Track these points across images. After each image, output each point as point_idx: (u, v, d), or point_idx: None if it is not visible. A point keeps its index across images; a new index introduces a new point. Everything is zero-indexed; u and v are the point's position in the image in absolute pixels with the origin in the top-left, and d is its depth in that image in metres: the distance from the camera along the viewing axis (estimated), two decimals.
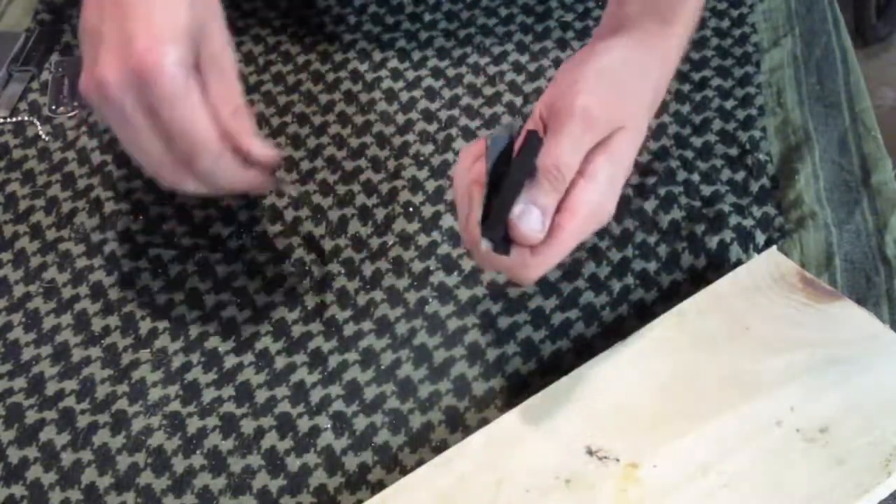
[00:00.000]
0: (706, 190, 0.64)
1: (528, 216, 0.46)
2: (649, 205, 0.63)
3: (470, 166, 0.48)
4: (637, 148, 0.50)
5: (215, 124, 0.48)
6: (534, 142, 0.46)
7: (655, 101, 0.52)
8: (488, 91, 0.70)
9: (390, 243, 0.62)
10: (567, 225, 0.47)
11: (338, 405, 0.55)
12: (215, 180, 0.50)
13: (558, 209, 0.47)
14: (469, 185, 0.48)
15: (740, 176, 0.65)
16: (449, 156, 0.67)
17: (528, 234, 0.46)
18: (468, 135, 0.68)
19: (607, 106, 0.47)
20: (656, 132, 0.67)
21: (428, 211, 0.64)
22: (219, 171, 0.49)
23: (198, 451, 0.53)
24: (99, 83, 0.47)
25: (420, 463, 0.50)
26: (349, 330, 0.58)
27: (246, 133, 0.50)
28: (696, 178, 0.64)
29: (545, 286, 0.59)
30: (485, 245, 0.46)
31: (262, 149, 0.51)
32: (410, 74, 0.72)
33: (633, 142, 0.49)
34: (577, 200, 0.47)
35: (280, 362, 0.57)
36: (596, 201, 0.47)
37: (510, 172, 0.46)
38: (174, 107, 0.47)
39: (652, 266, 0.60)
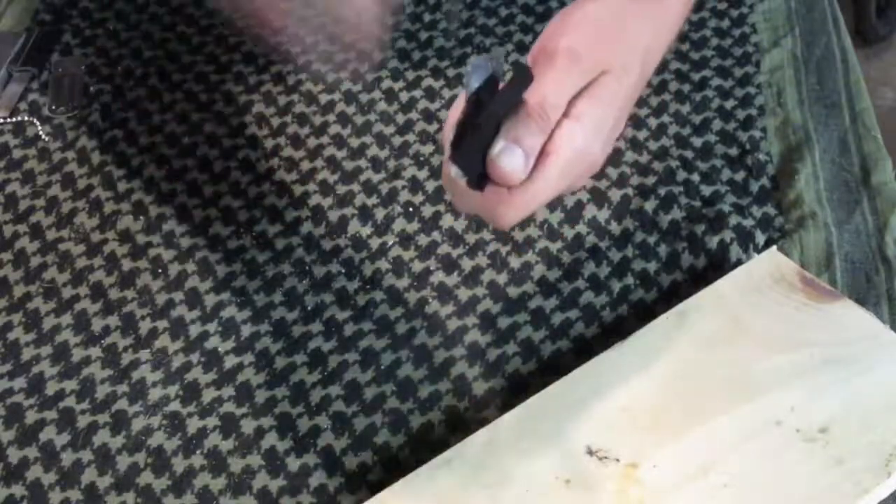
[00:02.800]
0: (706, 190, 0.64)
1: (510, 155, 0.44)
2: (649, 205, 0.63)
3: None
4: (627, 93, 0.47)
5: None
6: (521, 75, 0.44)
7: (651, 53, 0.50)
8: None
9: (390, 243, 0.62)
10: (547, 167, 0.44)
11: (338, 405, 0.55)
12: None
13: (540, 151, 0.45)
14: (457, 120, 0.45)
15: (740, 176, 0.65)
16: None
17: (508, 173, 0.44)
18: None
19: (592, 47, 0.45)
20: (656, 132, 0.67)
21: (428, 211, 0.64)
22: None
23: (198, 451, 0.53)
24: None
25: (420, 463, 0.50)
26: (349, 330, 0.58)
27: None
28: (696, 178, 0.64)
29: (545, 286, 0.59)
30: (453, 172, 0.44)
31: None
32: (410, 74, 0.72)
33: (621, 85, 0.47)
34: (559, 142, 0.45)
35: (280, 362, 0.57)
36: (580, 144, 0.45)
37: (491, 103, 0.43)
38: None
39: (652, 266, 0.60)
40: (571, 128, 0.45)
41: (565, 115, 0.45)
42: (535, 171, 0.45)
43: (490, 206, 0.46)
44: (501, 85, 0.44)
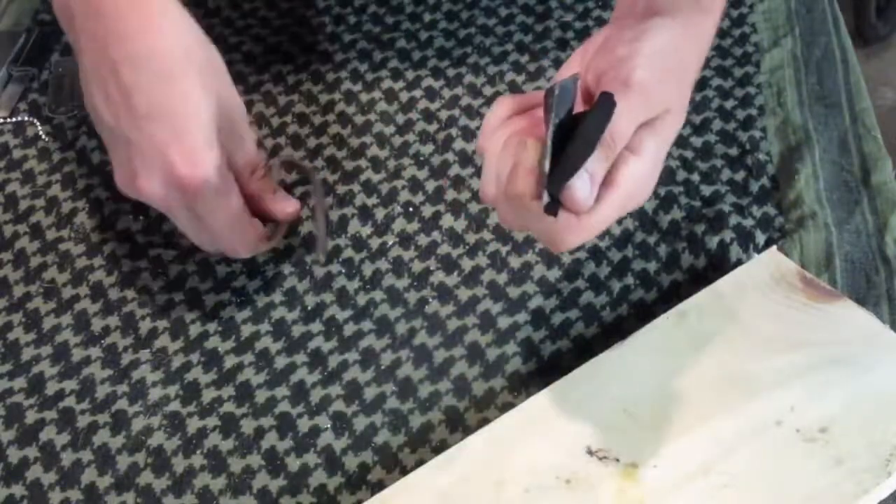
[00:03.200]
0: (706, 190, 0.64)
1: (583, 182, 0.44)
2: (649, 205, 0.63)
3: (508, 117, 0.46)
4: (678, 132, 0.49)
5: (242, 202, 0.54)
6: (609, 105, 0.44)
7: (692, 87, 0.51)
8: (488, 91, 0.70)
9: (390, 243, 0.62)
10: (612, 197, 0.45)
11: (338, 405, 0.55)
12: (248, 250, 0.56)
13: (604, 181, 0.45)
14: (517, 137, 0.45)
15: (740, 176, 0.65)
16: (449, 156, 0.67)
17: (580, 199, 0.44)
18: (468, 135, 0.68)
19: (661, 85, 0.46)
20: None
21: (428, 211, 0.64)
22: (252, 247, 0.56)
23: (198, 451, 0.53)
24: (140, 192, 0.50)
25: (420, 463, 0.50)
26: (349, 330, 0.58)
27: (269, 195, 0.56)
28: (696, 178, 0.64)
29: (545, 286, 0.59)
30: (545, 199, 0.44)
31: (286, 208, 0.57)
32: (410, 74, 0.72)
33: (677, 125, 0.48)
34: (624, 174, 0.45)
35: (280, 362, 0.57)
36: (642, 178, 0.46)
37: (583, 131, 0.43)
38: (215, 212, 0.52)
39: (652, 266, 0.60)
40: (636, 162, 0.46)
41: (630, 149, 0.46)
42: (601, 201, 0.45)
43: (555, 230, 0.45)
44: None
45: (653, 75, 0.46)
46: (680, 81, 0.48)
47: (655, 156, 0.47)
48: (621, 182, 0.45)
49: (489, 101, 0.70)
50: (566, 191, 0.44)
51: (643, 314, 0.57)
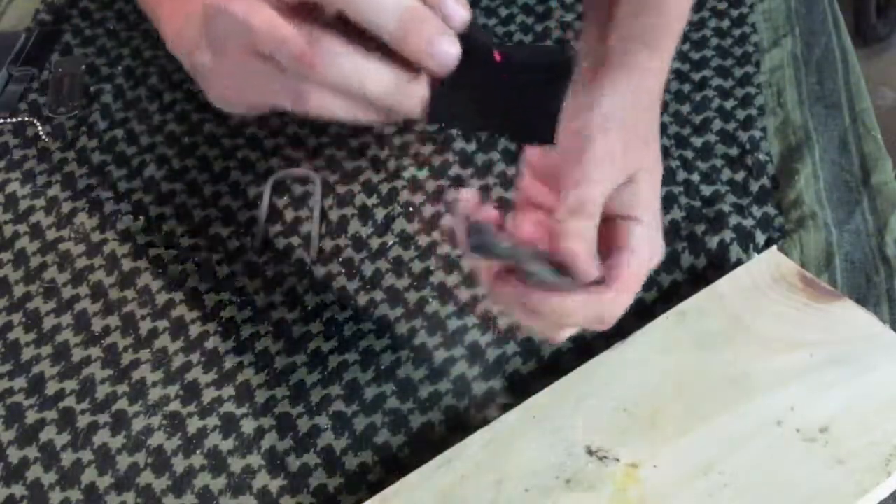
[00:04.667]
0: (706, 190, 0.64)
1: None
2: None
3: (500, 281, 0.45)
4: (659, 183, 0.49)
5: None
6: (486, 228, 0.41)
7: (659, 134, 0.51)
8: None
9: (390, 243, 0.62)
10: (630, 259, 0.46)
11: (338, 405, 0.55)
12: (337, 78, 0.38)
13: (624, 250, 0.46)
14: (534, 291, 0.44)
15: (740, 176, 0.65)
16: (449, 156, 0.67)
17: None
18: (468, 134, 0.68)
19: (625, 147, 0.46)
20: None
21: (428, 211, 0.64)
22: (332, 65, 0.38)
23: (198, 451, 0.53)
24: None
25: (420, 463, 0.50)
26: (349, 330, 0.58)
27: None
28: (696, 178, 0.64)
29: None
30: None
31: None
32: None
33: (656, 177, 0.49)
34: (632, 239, 0.46)
35: (280, 362, 0.57)
36: (649, 237, 0.47)
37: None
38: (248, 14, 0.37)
39: None
40: (636, 225, 0.47)
41: (624, 217, 0.47)
42: (623, 265, 0.46)
43: (608, 308, 0.46)
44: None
45: (614, 140, 0.46)
46: (645, 136, 0.49)
47: (655, 214, 0.48)
48: (635, 245, 0.46)
49: None
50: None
51: (643, 314, 0.57)
